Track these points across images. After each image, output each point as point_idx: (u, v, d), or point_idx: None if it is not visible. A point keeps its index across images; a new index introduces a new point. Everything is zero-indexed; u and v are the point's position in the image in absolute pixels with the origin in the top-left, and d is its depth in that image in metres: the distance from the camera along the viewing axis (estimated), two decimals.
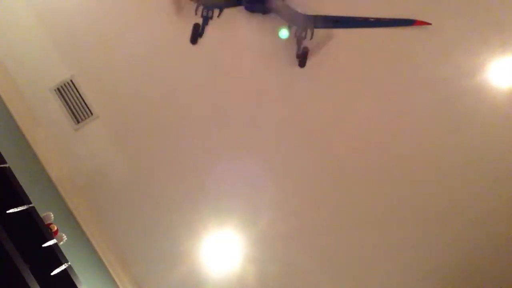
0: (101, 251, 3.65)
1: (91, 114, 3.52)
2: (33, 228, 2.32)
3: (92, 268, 3.54)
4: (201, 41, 3.31)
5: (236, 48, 3.32)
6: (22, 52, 3.47)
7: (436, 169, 3.27)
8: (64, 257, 2.42)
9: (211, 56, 3.34)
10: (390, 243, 3.44)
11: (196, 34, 3.28)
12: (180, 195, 3.59)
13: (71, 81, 3.47)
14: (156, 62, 3.41)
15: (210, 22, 3.26)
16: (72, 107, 3.51)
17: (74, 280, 2.38)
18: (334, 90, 3.28)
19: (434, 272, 3.44)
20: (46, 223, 2.50)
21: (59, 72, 3.47)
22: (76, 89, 3.49)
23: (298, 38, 3.13)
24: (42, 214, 2.48)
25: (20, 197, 2.29)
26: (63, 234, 2.65)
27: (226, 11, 3.22)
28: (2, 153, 2.32)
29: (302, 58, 3.20)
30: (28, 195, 2.35)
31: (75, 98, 3.50)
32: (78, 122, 3.54)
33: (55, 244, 2.40)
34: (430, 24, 2.96)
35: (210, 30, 3.28)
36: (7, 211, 2.17)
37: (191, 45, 3.31)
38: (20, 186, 2.33)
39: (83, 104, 3.51)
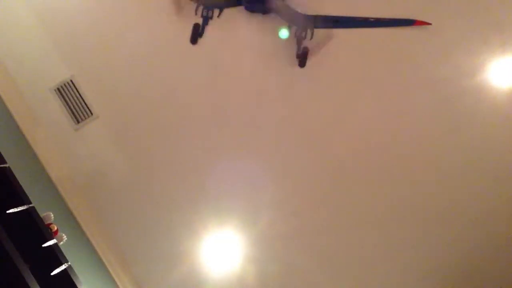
0: (101, 251, 3.65)
1: (91, 114, 3.52)
2: (33, 228, 2.32)
3: (92, 268, 3.54)
4: (201, 41, 3.31)
5: (236, 48, 3.31)
6: (22, 52, 3.47)
7: (436, 169, 3.27)
8: (64, 257, 2.42)
9: (211, 56, 3.34)
10: (390, 243, 3.44)
11: (196, 34, 3.28)
12: (180, 195, 3.59)
13: (71, 81, 3.47)
14: (156, 62, 3.41)
15: (210, 22, 3.26)
16: (72, 107, 3.51)
17: (74, 280, 2.38)
18: (334, 90, 3.28)
19: (434, 272, 3.44)
20: (46, 223, 2.50)
21: (59, 72, 3.47)
22: (76, 89, 3.49)
23: (298, 38, 3.13)
24: (42, 214, 2.48)
25: (20, 197, 2.29)
26: (63, 234, 2.65)
27: (226, 11, 3.22)
28: (2, 153, 2.32)
29: (302, 58, 3.20)
30: (28, 195, 2.35)
31: (75, 98, 3.50)
32: (78, 122, 3.54)
33: (55, 244, 2.40)
34: (430, 24, 2.96)
35: (210, 30, 3.28)
36: (7, 211, 2.17)
37: (191, 45, 3.31)
38: (20, 186, 2.32)
39: (83, 104, 3.51)
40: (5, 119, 3.37)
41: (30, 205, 2.31)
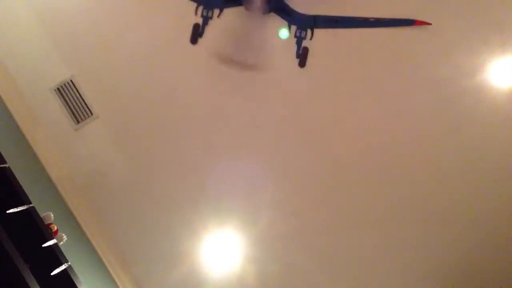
0: (101, 251, 3.65)
1: (91, 114, 3.52)
2: (33, 228, 2.32)
3: (92, 268, 3.54)
4: (201, 41, 3.31)
5: (236, 48, 3.31)
6: (22, 52, 3.47)
7: (436, 169, 3.27)
8: (64, 257, 2.42)
9: (211, 56, 3.34)
10: (390, 243, 3.44)
11: (196, 34, 3.28)
12: (180, 195, 3.59)
13: (71, 81, 3.47)
14: (156, 62, 3.41)
15: (210, 22, 3.26)
16: (72, 107, 3.51)
17: (74, 280, 2.38)
18: (334, 90, 3.28)
19: (434, 272, 3.44)
20: (46, 223, 2.50)
21: (59, 72, 3.47)
22: (76, 89, 3.49)
23: (298, 38, 3.14)
24: (42, 214, 2.48)
25: (20, 197, 2.29)
26: (63, 234, 2.65)
27: (226, 11, 3.22)
28: (2, 153, 2.32)
29: (302, 58, 3.20)
30: (28, 195, 2.35)
31: (75, 98, 3.50)
32: (78, 122, 3.53)
33: (55, 244, 2.40)
34: (430, 24, 2.96)
35: (210, 30, 3.28)
36: (7, 211, 2.17)
37: (191, 45, 3.31)
38: (20, 186, 2.32)
39: (83, 104, 3.51)
40: (5, 119, 3.37)
41: (30, 205, 2.31)
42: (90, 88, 3.50)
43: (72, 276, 2.38)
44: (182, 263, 3.65)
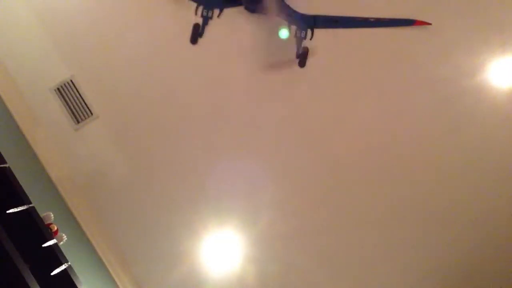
0: (101, 251, 3.65)
1: (91, 114, 3.52)
2: (33, 228, 2.31)
3: (92, 268, 3.54)
4: (201, 41, 3.31)
5: (236, 48, 3.31)
6: (22, 52, 3.47)
7: (436, 169, 3.27)
8: (64, 257, 2.42)
9: (211, 56, 3.34)
10: (390, 243, 3.44)
11: (196, 34, 3.28)
12: (180, 195, 3.59)
13: (71, 81, 3.47)
14: (156, 62, 3.41)
15: (210, 22, 3.26)
16: (72, 107, 3.51)
17: (74, 280, 2.38)
18: (334, 90, 3.28)
19: (434, 272, 3.44)
20: (46, 223, 2.50)
21: (59, 72, 3.47)
22: (76, 89, 3.49)
23: (298, 38, 3.13)
24: (42, 214, 2.48)
25: (20, 197, 2.29)
26: (63, 234, 2.65)
27: (226, 11, 3.22)
28: (2, 153, 2.32)
29: (302, 58, 3.20)
30: (28, 195, 2.35)
31: (75, 98, 3.50)
32: (78, 122, 3.53)
33: (55, 244, 2.40)
34: (430, 24, 2.96)
35: (210, 30, 3.28)
36: (7, 211, 2.17)
37: (191, 45, 3.31)
38: (20, 186, 2.32)
39: (83, 104, 3.51)
40: (5, 119, 3.37)
41: (30, 205, 2.31)
42: (90, 88, 3.50)
43: (72, 276, 2.38)
44: (182, 263, 3.65)
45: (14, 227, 2.14)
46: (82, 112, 3.52)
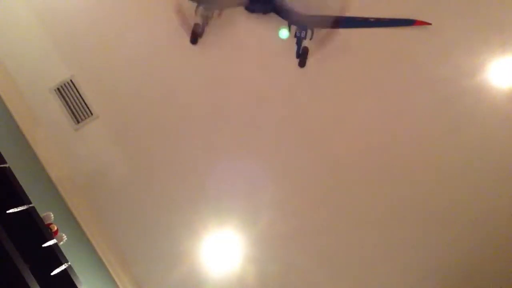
0: (101, 251, 3.65)
1: (91, 114, 3.52)
2: (33, 228, 2.31)
3: (92, 268, 3.54)
4: (201, 41, 3.31)
5: (236, 48, 3.31)
6: (22, 52, 3.47)
7: (436, 169, 3.27)
8: (64, 257, 2.42)
9: (211, 56, 3.34)
10: (390, 243, 3.44)
11: (196, 34, 3.28)
12: (180, 195, 3.59)
13: (71, 81, 3.47)
14: (156, 62, 3.41)
15: (210, 22, 3.26)
16: (72, 107, 3.51)
17: (74, 280, 2.38)
18: (334, 90, 3.28)
19: (434, 272, 3.44)
20: (46, 223, 2.49)
21: (59, 72, 3.47)
22: (76, 89, 3.49)
23: (298, 38, 3.13)
24: (42, 214, 2.48)
25: (20, 197, 2.28)
26: (63, 234, 2.65)
27: (226, 11, 3.22)
28: (2, 153, 2.32)
29: (302, 58, 3.20)
30: (28, 195, 2.35)
31: (75, 98, 3.50)
32: (78, 122, 3.53)
33: (55, 244, 2.40)
34: (430, 24, 2.96)
35: (210, 30, 3.28)
36: (7, 211, 2.17)
37: (191, 45, 3.31)
38: (20, 186, 2.32)
39: (83, 104, 3.51)
40: (5, 119, 3.37)
41: (30, 205, 2.31)
42: (90, 88, 3.50)
43: (72, 276, 2.38)
44: (182, 263, 3.65)
45: (14, 227, 2.14)
46: (82, 112, 3.52)
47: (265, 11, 3.10)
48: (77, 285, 2.38)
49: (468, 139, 3.17)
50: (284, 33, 3.11)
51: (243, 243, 3.60)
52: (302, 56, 3.18)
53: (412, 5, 2.99)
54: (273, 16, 3.14)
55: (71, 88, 3.49)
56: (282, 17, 3.10)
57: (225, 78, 3.37)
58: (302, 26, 3.10)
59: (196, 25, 3.26)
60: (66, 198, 3.55)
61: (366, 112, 3.28)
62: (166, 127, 3.52)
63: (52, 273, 2.27)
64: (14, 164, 2.36)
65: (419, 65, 3.12)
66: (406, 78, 3.16)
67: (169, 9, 3.27)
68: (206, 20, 3.24)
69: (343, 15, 3.03)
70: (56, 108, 3.51)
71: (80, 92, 3.49)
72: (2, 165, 2.26)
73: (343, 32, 3.12)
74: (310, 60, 3.21)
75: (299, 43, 3.15)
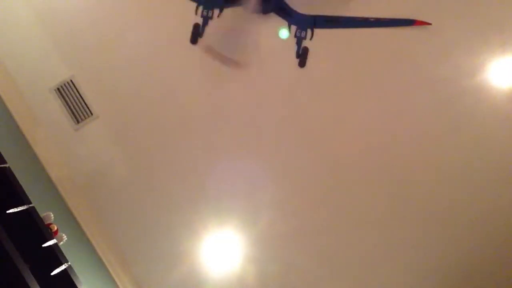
0: (101, 251, 3.65)
1: (91, 114, 3.52)
2: (33, 228, 2.32)
3: (92, 268, 3.54)
4: (201, 41, 3.31)
5: (235, 48, 3.31)
6: (22, 52, 3.47)
7: (436, 169, 3.27)
8: (64, 257, 2.42)
9: (210, 56, 3.34)
10: (390, 243, 3.44)
11: (196, 34, 3.28)
12: (180, 195, 3.59)
13: (71, 81, 3.47)
14: (156, 62, 3.41)
15: (210, 22, 3.26)
16: (72, 107, 3.51)
17: (74, 280, 2.38)
18: (334, 90, 3.28)
19: (434, 272, 3.44)
20: (46, 223, 2.50)
21: (59, 72, 3.47)
22: (76, 89, 3.49)
23: (298, 38, 3.13)
24: (42, 214, 2.48)
25: (20, 197, 2.29)
26: (63, 234, 2.65)
27: (226, 11, 3.22)
28: (2, 153, 2.32)
29: (302, 58, 3.20)
30: (28, 195, 2.35)
31: (75, 98, 3.50)
32: (78, 122, 3.54)
33: (55, 244, 2.40)
34: (430, 24, 2.96)
35: (210, 30, 3.28)
36: (7, 211, 2.17)
37: (191, 45, 3.31)
38: (20, 186, 2.32)
39: (83, 104, 3.51)
40: (5, 119, 3.37)
41: (30, 205, 2.32)
42: (90, 88, 3.50)
43: (72, 276, 2.38)
44: (182, 263, 3.65)
45: (14, 227, 2.14)
46: (82, 112, 3.52)
47: (265, 11, 3.11)
48: (77, 285, 2.38)
49: (468, 139, 3.16)
50: (284, 33, 3.11)
51: (243, 243, 3.60)
52: (302, 56, 3.19)
53: (412, 5, 2.99)
54: (273, 16, 3.15)
55: (71, 88, 3.49)
56: (282, 17, 3.11)
57: (225, 78, 3.37)
58: (302, 26, 3.10)
59: (196, 25, 3.26)
60: (66, 198, 3.56)
61: (366, 112, 3.28)
62: (166, 127, 3.52)
63: (52, 273, 2.28)
64: (14, 164, 2.37)
65: (419, 65, 3.12)
66: (406, 78, 3.16)
67: (169, 9, 3.28)
68: (206, 20, 3.24)
69: (343, 15, 3.04)
70: (56, 108, 3.51)
71: (80, 92, 3.49)
72: (2, 165, 2.26)
73: (343, 32, 3.12)
74: (310, 60, 3.21)
75: (299, 43, 3.15)
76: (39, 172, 3.45)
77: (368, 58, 3.17)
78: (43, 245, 2.32)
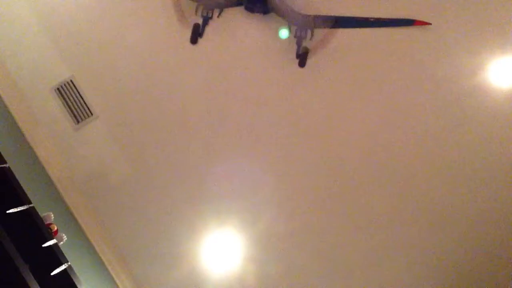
0: (101, 251, 3.65)
1: (91, 114, 3.52)
2: (33, 228, 2.32)
3: (92, 268, 3.54)
4: (201, 41, 3.31)
5: (236, 48, 3.31)
6: (22, 52, 3.47)
7: (436, 169, 3.27)
8: (64, 257, 2.42)
9: (211, 56, 3.34)
10: (391, 243, 3.44)
11: (196, 34, 3.28)
12: (180, 195, 3.59)
13: (71, 81, 3.47)
14: (156, 62, 3.41)
15: (210, 22, 3.26)
16: (72, 107, 3.51)
17: (74, 280, 2.38)
18: (334, 90, 3.28)
19: (434, 272, 3.44)
20: (46, 223, 2.50)
21: (59, 72, 3.47)
22: (76, 89, 3.49)
23: (298, 38, 3.13)
24: (42, 214, 2.48)
25: (20, 197, 2.29)
26: (63, 234, 2.65)
27: (226, 11, 3.22)
28: (2, 153, 2.32)
29: (302, 58, 3.20)
30: (28, 195, 2.35)
31: (75, 98, 3.50)
32: (78, 122, 3.54)
33: (55, 244, 2.40)
34: (430, 24, 2.96)
35: (210, 30, 3.28)
36: (7, 211, 2.17)
37: (191, 45, 3.31)
38: (20, 186, 2.33)
39: (83, 104, 3.51)
40: (5, 119, 3.37)
41: (30, 205, 2.32)
42: (90, 88, 3.50)
43: (72, 276, 2.38)
44: (182, 263, 3.65)
45: (14, 227, 2.14)
46: (82, 112, 3.52)
47: (265, 11, 3.11)
48: (77, 285, 2.38)
49: (468, 139, 3.16)
50: (284, 33, 3.11)
51: (243, 243, 3.60)
52: (302, 56, 3.18)
53: (412, 5, 2.99)
54: (273, 16, 3.14)
55: (71, 88, 3.49)
56: (282, 17, 3.11)
57: (225, 78, 3.37)
58: (302, 26, 3.10)
59: (196, 25, 3.26)
60: (66, 198, 3.56)
61: (366, 112, 3.28)
62: (166, 127, 3.52)
63: (52, 273, 2.28)
64: (14, 164, 2.37)
65: (419, 65, 3.12)
66: (406, 78, 3.16)
67: (169, 9, 3.28)
68: (206, 20, 3.24)
69: (343, 15, 3.04)
70: (56, 108, 3.52)
71: (80, 92, 3.49)
72: (2, 165, 2.26)
73: (343, 32, 3.12)
74: (310, 60, 3.21)
75: (299, 43, 3.15)
76: (39, 172, 3.45)
77: (368, 58, 3.17)
78: (43, 245, 2.32)
